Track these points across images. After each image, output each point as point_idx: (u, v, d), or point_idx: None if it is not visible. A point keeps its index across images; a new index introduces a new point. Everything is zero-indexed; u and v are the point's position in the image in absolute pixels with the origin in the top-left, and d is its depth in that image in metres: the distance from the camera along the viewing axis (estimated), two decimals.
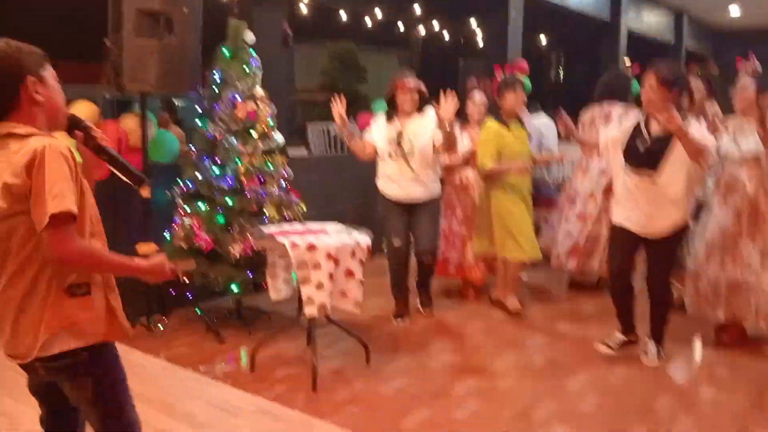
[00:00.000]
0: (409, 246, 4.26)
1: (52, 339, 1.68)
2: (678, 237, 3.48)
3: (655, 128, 3.34)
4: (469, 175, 4.73)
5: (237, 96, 3.92)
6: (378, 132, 4.17)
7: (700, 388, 3.37)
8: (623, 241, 3.52)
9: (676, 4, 12.54)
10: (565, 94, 13.30)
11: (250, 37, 4.07)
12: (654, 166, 3.29)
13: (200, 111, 4.08)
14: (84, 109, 3.94)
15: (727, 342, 3.85)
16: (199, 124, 4.06)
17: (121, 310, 1.82)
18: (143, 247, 3.82)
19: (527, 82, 4.99)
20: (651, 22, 12.02)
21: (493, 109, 4.46)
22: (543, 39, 13.82)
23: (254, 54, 4.07)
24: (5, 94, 1.69)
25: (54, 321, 1.67)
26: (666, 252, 3.49)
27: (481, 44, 12.24)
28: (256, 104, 3.96)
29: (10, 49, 1.70)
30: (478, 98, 4.77)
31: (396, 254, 4.23)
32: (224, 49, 4.03)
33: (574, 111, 4.76)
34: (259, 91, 4.03)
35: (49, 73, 1.76)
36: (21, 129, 1.67)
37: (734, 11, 12.34)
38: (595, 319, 4.35)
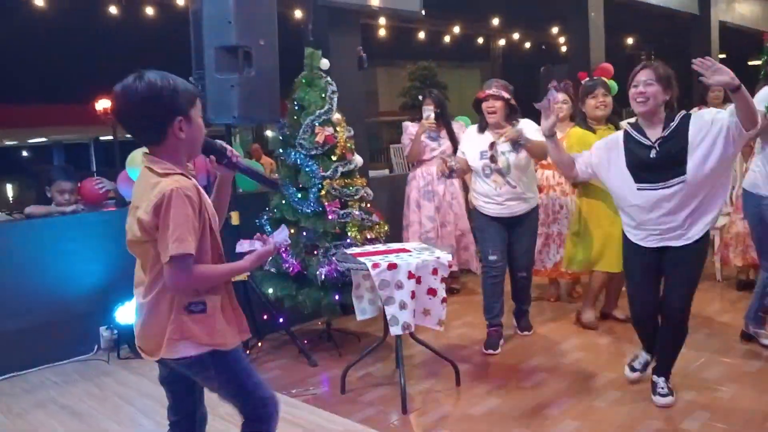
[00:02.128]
0: (506, 261, 4.08)
1: (174, 348, 1.89)
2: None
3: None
4: (549, 175, 4.78)
5: (315, 122, 3.99)
6: (469, 146, 4.03)
7: None
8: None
9: None
10: None
11: (325, 63, 4.14)
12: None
13: (282, 139, 4.19)
14: None
15: None
16: (282, 151, 4.16)
17: (238, 315, 2.01)
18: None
19: (613, 84, 4.83)
20: (745, 11, 11.34)
21: (581, 117, 4.31)
22: (629, 39, 13.36)
23: (330, 80, 4.14)
24: (154, 129, 1.88)
25: (175, 335, 1.88)
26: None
27: (563, 50, 11.97)
28: (334, 128, 4.02)
29: (168, 87, 1.85)
30: (559, 97, 4.71)
31: (492, 270, 4.02)
32: (302, 78, 4.12)
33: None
34: (336, 115, 4.09)
35: (196, 110, 1.93)
36: (158, 167, 1.86)
37: None
38: (715, 331, 4.08)
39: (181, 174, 1.87)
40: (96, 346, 4.08)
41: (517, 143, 3.83)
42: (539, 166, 4.99)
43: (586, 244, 4.25)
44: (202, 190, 1.93)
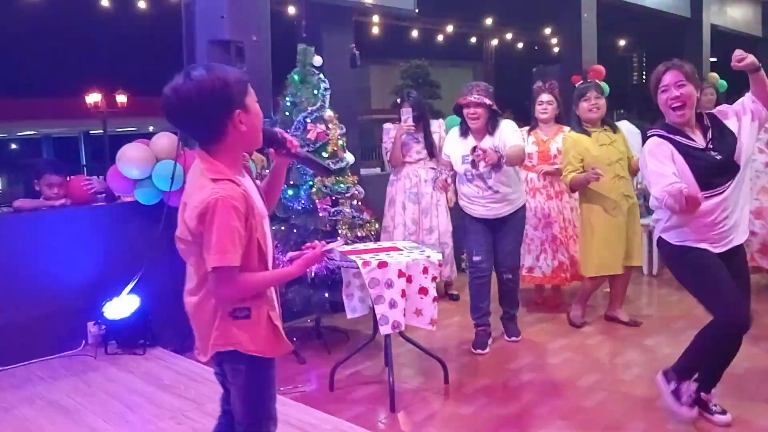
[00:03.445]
0: (492, 262, 4.07)
1: (219, 351, 1.88)
2: None
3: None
4: (534, 177, 4.75)
5: (307, 119, 3.98)
6: (451, 150, 4.02)
7: None
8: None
9: None
10: (650, 96, 12.86)
11: (317, 60, 4.13)
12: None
13: None
14: (165, 141, 4.09)
15: None
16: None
17: (280, 328, 1.97)
18: None
19: (605, 86, 4.86)
20: (736, 15, 11.40)
21: (576, 120, 4.31)
22: (621, 41, 13.41)
23: (323, 77, 4.13)
24: (214, 126, 1.81)
25: (220, 340, 1.87)
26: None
27: (555, 50, 12.01)
28: (326, 126, 4.01)
29: (219, 81, 1.77)
30: (545, 98, 4.75)
31: (477, 271, 4.03)
32: (294, 74, 4.11)
33: (659, 112, 4.56)
34: (328, 112, 4.08)
35: (251, 98, 1.86)
36: (211, 169, 1.80)
37: None
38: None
39: (231, 180, 1.80)
40: (83, 342, 4.05)
41: (498, 163, 3.74)
42: (523, 167, 4.95)
43: (596, 247, 4.23)
44: (252, 192, 1.89)
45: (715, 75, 8.94)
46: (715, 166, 2.70)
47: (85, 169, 19.51)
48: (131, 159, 3.91)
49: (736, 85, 5.61)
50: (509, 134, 3.86)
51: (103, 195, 4.35)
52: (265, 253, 1.91)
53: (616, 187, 4.16)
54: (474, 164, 3.81)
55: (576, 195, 4.44)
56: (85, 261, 4.07)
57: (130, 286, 3.98)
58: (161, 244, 4.05)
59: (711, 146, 2.73)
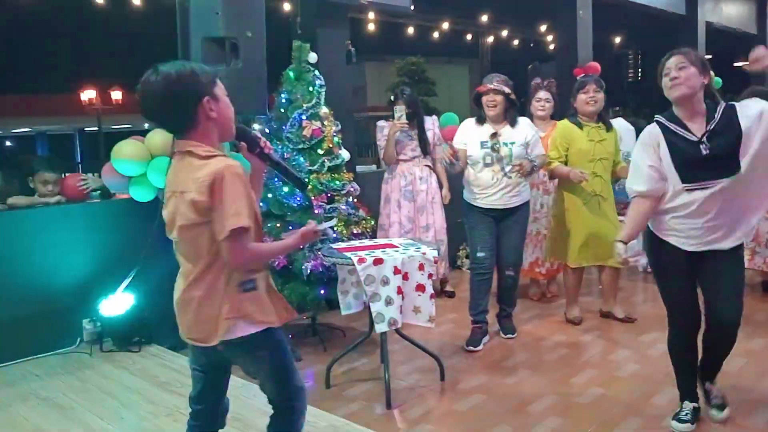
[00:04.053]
0: (494, 259, 4.07)
1: (232, 327, 1.93)
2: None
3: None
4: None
5: (302, 115, 3.97)
6: (469, 136, 4.05)
7: None
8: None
9: None
10: (646, 93, 12.87)
11: (313, 57, 4.12)
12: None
13: (269, 132, 4.16)
14: (160, 138, 4.08)
15: None
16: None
17: (279, 298, 2.06)
18: None
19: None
20: (731, 13, 11.41)
21: (573, 111, 4.33)
22: (617, 38, 13.43)
23: (318, 73, 4.12)
24: (185, 114, 1.89)
25: (232, 313, 1.92)
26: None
27: (551, 48, 12.02)
28: (321, 123, 4.01)
29: (186, 72, 1.88)
30: (542, 95, 4.84)
31: (479, 267, 4.03)
32: (289, 71, 4.10)
33: (655, 109, 4.57)
34: (323, 109, 4.08)
35: (219, 89, 1.95)
36: (201, 150, 1.88)
37: None
38: None
39: (224, 155, 1.90)
40: (79, 339, 4.04)
41: (531, 172, 4.01)
42: None
43: (565, 236, 4.29)
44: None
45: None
46: (700, 160, 2.62)
47: (80, 166, 19.43)
48: (126, 155, 3.90)
49: (731, 82, 5.61)
50: (537, 143, 4.07)
51: (98, 192, 4.34)
52: (260, 228, 2.03)
53: (591, 185, 4.17)
54: (494, 148, 3.93)
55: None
56: (80, 258, 4.05)
57: (126, 283, 3.97)
58: (157, 241, 4.05)
59: (705, 139, 2.63)
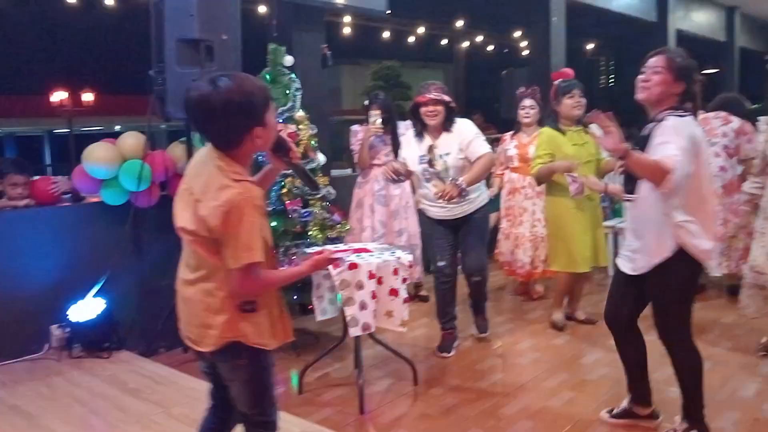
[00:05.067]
0: (456, 266, 4.06)
1: (223, 346, 1.91)
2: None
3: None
4: (513, 177, 4.98)
5: (278, 119, 3.95)
6: (408, 150, 3.96)
7: None
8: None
9: (726, 0, 12.12)
10: (618, 99, 13.04)
11: (289, 60, 4.11)
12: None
13: None
14: (132, 140, 4.04)
15: None
16: None
17: (284, 318, 2.05)
18: None
19: None
20: (701, 20, 11.65)
21: (552, 117, 4.35)
22: (589, 44, 13.60)
23: (294, 77, 4.11)
24: (231, 139, 1.87)
25: (227, 333, 1.90)
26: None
27: (524, 53, 12.12)
28: (297, 126, 4.00)
29: (244, 96, 1.83)
30: (527, 103, 4.90)
31: (441, 276, 4.00)
32: (264, 74, 4.08)
33: (628, 116, 4.64)
34: (299, 112, 4.07)
35: (270, 112, 1.93)
36: (230, 170, 1.84)
37: None
38: None
39: (250, 182, 1.88)
40: (47, 345, 3.97)
41: (461, 194, 3.73)
42: (510, 169, 5.07)
43: (567, 243, 4.27)
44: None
45: None
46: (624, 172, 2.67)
47: (49, 168, 19.10)
48: (98, 158, 3.85)
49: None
50: (475, 144, 3.82)
51: (69, 195, 4.27)
52: (271, 250, 2.02)
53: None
54: (431, 163, 3.83)
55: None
56: (49, 263, 3.98)
57: (96, 288, 3.92)
58: (128, 246, 4.01)
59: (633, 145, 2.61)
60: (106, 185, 3.97)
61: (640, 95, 2.68)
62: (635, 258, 2.72)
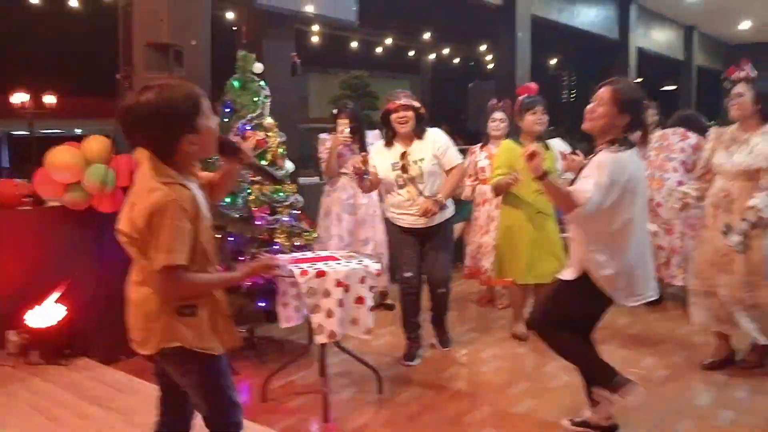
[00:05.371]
0: (422, 276, 4.09)
1: (167, 350, 1.91)
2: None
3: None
4: (484, 189, 5.01)
5: (246, 126, 3.95)
6: (379, 159, 3.97)
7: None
8: None
9: (685, 20, 12.51)
10: (580, 114, 13.33)
11: (258, 67, 4.11)
12: None
13: None
14: (96, 144, 3.98)
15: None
16: None
17: (227, 323, 2.03)
18: None
19: None
20: (661, 39, 12.01)
21: (516, 131, 4.44)
22: (553, 60, 13.88)
23: (264, 84, 4.11)
24: (163, 148, 1.88)
25: (167, 336, 1.90)
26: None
27: (490, 67, 12.31)
28: (266, 133, 4.00)
29: (166, 106, 1.83)
30: (497, 116, 4.96)
31: (407, 287, 4.03)
32: (233, 81, 4.07)
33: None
34: (268, 120, 4.07)
35: (202, 117, 1.90)
36: (160, 173, 1.86)
37: (745, 25, 12.29)
38: (617, 339, 4.28)
39: (181, 185, 1.88)
40: (2, 351, 3.88)
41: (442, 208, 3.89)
42: (480, 181, 5.12)
43: (511, 253, 4.33)
44: (200, 198, 1.95)
45: None
46: None
47: (7, 171, 18.61)
48: (62, 162, 3.79)
49: (659, 105, 5.89)
50: (450, 153, 3.91)
51: (31, 198, 4.19)
52: (209, 258, 1.98)
53: (535, 202, 4.24)
54: (404, 168, 3.86)
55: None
56: (8, 267, 3.90)
57: (56, 293, 3.84)
58: (91, 251, 3.94)
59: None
60: (69, 189, 3.90)
61: (585, 125, 2.82)
62: (568, 267, 2.93)
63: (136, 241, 1.87)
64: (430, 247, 4.03)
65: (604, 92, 2.75)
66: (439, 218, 3.97)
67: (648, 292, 2.89)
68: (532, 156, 2.64)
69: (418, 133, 3.92)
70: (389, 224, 4.11)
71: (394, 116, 3.88)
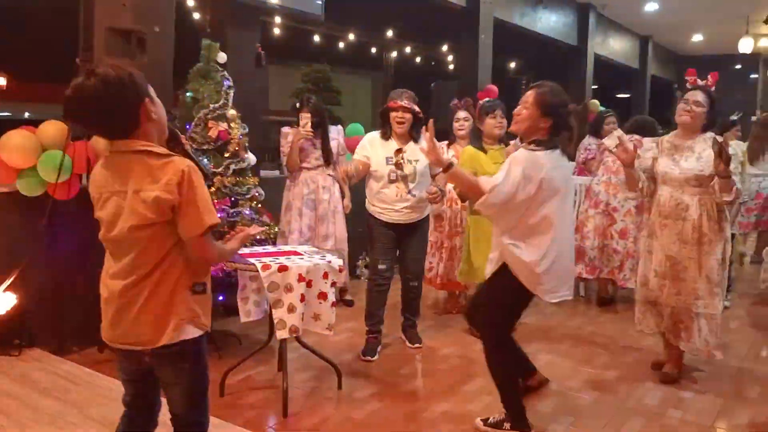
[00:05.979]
0: (393, 270, 4.16)
1: (180, 330, 1.89)
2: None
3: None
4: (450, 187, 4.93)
5: (208, 116, 3.90)
6: (374, 151, 4.04)
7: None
8: None
9: (641, 31, 12.89)
10: None
11: (222, 57, 4.06)
12: None
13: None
14: (53, 129, 3.87)
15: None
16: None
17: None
18: None
19: None
20: (617, 47, 12.31)
21: (477, 135, 4.48)
22: (514, 63, 14.07)
23: (227, 74, 4.06)
24: (128, 116, 1.84)
25: (184, 314, 1.90)
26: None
27: (452, 67, 12.41)
28: (228, 124, 3.95)
29: (125, 75, 1.83)
30: (461, 115, 4.96)
31: (379, 279, 4.07)
32: (196, 69, 4.01)
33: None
34: (231, 111, 4.02)
35: (153, 91, 1.93)
36: (158, 149, 1.86)
37: (697, 38, 12.76)
38: (569, 338, 4.38)
39: (178, 155, 1.90)
40: None
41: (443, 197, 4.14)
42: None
43: (475, 257, 4.37)
44: None
45: (595, 102, 9.58)
46: None
47: None
48: (16, 147, 3.66)
49: (613, 110, 6.06)
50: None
51: None
52: None
53: None
54: (398, 165, 3.95)
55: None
56: None
57: (7, 282, 3.72)
58: (43, 239, 3.83)
59: None
60: (22, 175, 3.78)
61: (512, 127, 2.95)
62: (490, 264, 3.02)
63: (161, 226, 1.83)
64: (408, 242, 4.13)
65: (529, 95, 2.84)
66: (418, 216, 4.09)
67: (564, 290, 2.95)
68: (430, 145, 2.78)
69: (414, 135, 4.05)
70: (370, 217, 4.12)
71: (393, 114, 4.01)
